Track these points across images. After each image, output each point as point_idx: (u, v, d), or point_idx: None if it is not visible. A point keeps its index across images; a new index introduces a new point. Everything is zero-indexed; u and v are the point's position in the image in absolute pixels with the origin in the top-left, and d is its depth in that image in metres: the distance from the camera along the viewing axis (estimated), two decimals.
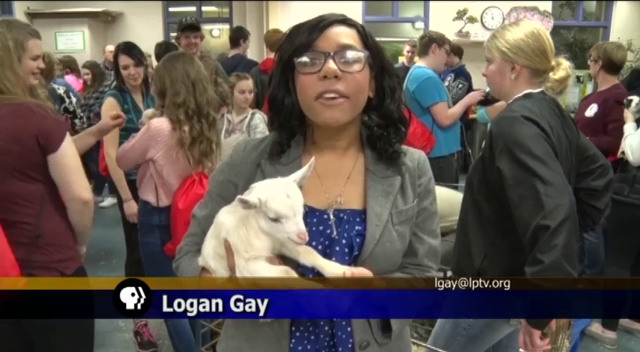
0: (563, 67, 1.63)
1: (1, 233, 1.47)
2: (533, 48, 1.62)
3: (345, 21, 0.99)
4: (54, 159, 1.58)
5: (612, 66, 3.27)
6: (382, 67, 1.02)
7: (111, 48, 5.83)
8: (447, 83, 4.94)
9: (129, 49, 2.98)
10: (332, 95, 0.95)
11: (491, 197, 1.59)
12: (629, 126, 2.91)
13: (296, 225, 0.90)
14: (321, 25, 0.97)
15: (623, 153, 2.85)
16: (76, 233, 1.69)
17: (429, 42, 3.60)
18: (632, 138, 2.81)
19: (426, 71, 3.43)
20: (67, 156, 1.60)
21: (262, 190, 0.92)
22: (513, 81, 1.66)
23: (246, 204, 0.90)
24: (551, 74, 1.63)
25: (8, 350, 1.69)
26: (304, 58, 0.96)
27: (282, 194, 0.91)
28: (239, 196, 0.91)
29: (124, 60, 2.94)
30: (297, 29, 1.00)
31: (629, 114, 2.97)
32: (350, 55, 0.96)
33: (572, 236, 1.42)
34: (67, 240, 1.65)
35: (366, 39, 1.00)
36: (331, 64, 0.94)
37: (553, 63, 1.64)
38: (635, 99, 3.01)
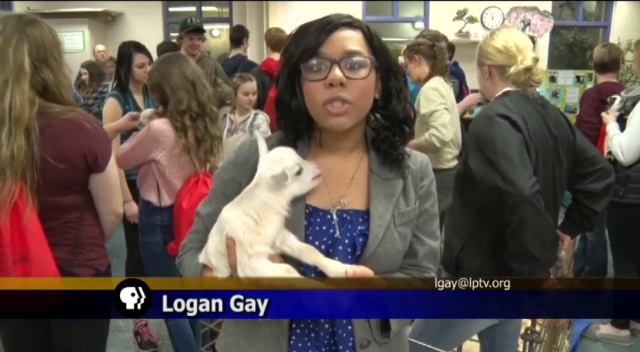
0: (527, 58, 1.67)
1: (47, 249, 1.50)
2: (494, 46, 1.72)
3: (351, 24, 0.98)
4: (99, 177, 1.61)
5: (595, 65, 3.49)
6: (388, 67, 1.02)
7: (101, 48, 5.79)
8: None
9: (142, 47, 3.00)
10: (338, 103, 0.95)
11: (472, 189, 1.64)
12: (612, 127, 2.87)
13: (310, 166, 0.98)
14: (327, 28, 0.97)
15: (610, 153, 2.79)
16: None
17: None
18: (619, 138, 2.77)
19: None
20: (111, 176, 1.65)
21: (269, 164, 0.97)
22: (489, 82, 1.76)
23: (281, 178, 0.94)
24: (513, 67, 1.67)
25: (30, 343, 1.73)
26: (310, 64, 0.96)
27: (284, 152, 0.98)
28: (273, 175, 0.94)
29: (140, 58, 2.96)
30: (302, 31, 0.99)
31: (611, 114, 2.95)
32: (356, 61, 0.96)
33: (538, 228, 1.50)
34: (100, 240, 1.72)
35: (371, 40, 1.00)
36: (337, 72, 0.94)
37: (520, 58, 1.68)
38: (617, 97, 3.00)
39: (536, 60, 1.69)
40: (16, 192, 1.44)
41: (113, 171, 1.66)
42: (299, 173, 0.96)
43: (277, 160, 0.97)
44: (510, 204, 1.50)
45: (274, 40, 4.21)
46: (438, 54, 3.11)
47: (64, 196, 1.57)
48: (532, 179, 1.51)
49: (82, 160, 1.54)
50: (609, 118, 2.94)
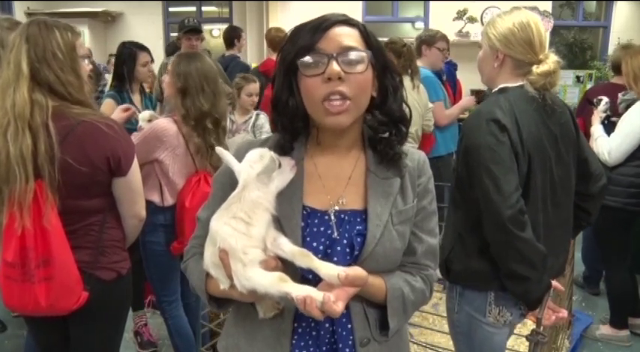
0: (550, 61, 1.56)
1: (69, 252, 1.51)
2: (518, 37, 1.57)
3: (347, 21, 0.99)
4: (122, 181, 1.62)
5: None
6: (384, 65, 1.02)
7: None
8: None
9: (144, 46, 3.00)
10: (337, 98, 0.95)
11: (460, 191, 1.62)
12: (597, 128, 2.86)
13: (285, 159, 1.00)
14: (323, 26, 0.97)
15: None
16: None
17: (420, 44, 3.63)
18: (605, 139, 2.77)
19: (423, 71, 3.43)
20: (134, 180, 1.66)
21: (252, 165, 0.96)
22: (497, 69, 1.63)
23: (271, 167, 0.95)
24: (534, 67, 1.55)
25: (48, 341, 1.76)
26: (307, 60, 0.96)
27: (260, 151, 0.99)
28: (262, 168, 0.95)
29: (145, 57, 2.97)
30: (299, 30, 1.00)
31: (596, 116, 2.93)
32: (353, 55, 0.96)
33: (520, 249, 1.46)
34: (122, 243, 1.72)
35: (367, 38, 1.00)
36: (334, 66, 0.94)
37: (541, 56, 1.57)
38: (604, 98, 2.99)
39: (558, 62, 1.56)
40: (36, 190, 1.45)
41: (136, 175, 1.66)
42: (279, 166, 0.98)
43: (257, 159, 0.97)
44: (488, 223, 1.48)
45: (274, 40, 4.20)
46: (405, 54, 3.15)
47: (87, 199, 1.57)
48: (514, 196, 1.45)
49: (106, 164, 1.54)
50: (594, 120, 2.93)
